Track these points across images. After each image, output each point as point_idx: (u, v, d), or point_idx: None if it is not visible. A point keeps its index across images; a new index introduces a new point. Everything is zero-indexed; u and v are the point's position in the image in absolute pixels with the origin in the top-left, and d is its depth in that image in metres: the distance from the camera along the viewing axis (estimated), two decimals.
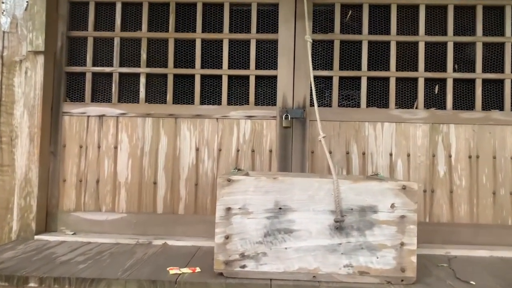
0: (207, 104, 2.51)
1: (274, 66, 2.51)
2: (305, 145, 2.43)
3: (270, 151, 2.45)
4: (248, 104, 2.49)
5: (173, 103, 2.51)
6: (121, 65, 2.55)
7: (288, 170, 2.42)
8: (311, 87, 2.39)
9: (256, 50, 2.52)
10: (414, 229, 1.69)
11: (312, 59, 2.44)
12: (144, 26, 2.54)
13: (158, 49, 2.58)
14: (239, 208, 1.71)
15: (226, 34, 2.52)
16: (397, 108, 2.46)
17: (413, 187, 1.71)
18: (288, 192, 1.72)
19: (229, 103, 2.51)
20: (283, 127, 2.43)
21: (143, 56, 2.53)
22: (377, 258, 1.69)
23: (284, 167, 2.43)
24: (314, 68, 2.45)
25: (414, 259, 1.68)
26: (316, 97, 2.44)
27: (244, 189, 1.72)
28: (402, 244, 1.69)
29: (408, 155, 2.42)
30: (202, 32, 2.53)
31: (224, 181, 1.72)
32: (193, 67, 2.53)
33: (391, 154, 2.42)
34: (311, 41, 2.16)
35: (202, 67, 2.54)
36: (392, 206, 1.70)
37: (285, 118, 2.42)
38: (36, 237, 2.36)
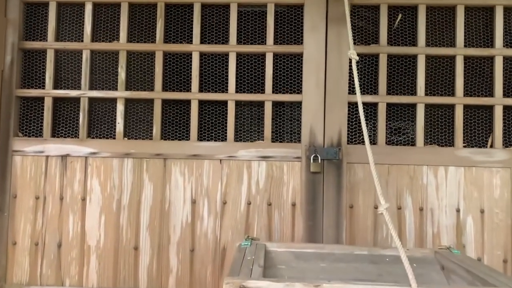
0: (208, 140, 1.87)
1: (298, 89, 1.87)
2: (341, 197, 1.78)
3: (293, 205, 1.80)
4: (263, 140, 1.85)
5: (162, 139, 1.87)
6: (92, 87, 1.91)
7: (318, 231, 1.77)
8: (352, 117, 1.76)
9: (274, 68, 1.87)
10: None
11: (349, 79, 1.81)
12: (123, 34, 1.90)
13: (141, 65, 1.94)
14: None
15: (233, 46, 1.87)
16: (466, 146, 1.81)
17: None
18: None
19: (237, 139, 1.87)
20: (310, 172, 1.79)
21: (122, 75, 1.89)
22: None
23: (313, 228, 1.78)
24: (350, 92, 1.81)
25: None
26: (358, 131, 1.80)
27: None
28: None
29: (482, 212, 1.77)
30: (201, 43, 1.89)
31: None
32: (188, 90, 1.89)
33: (458, 210, 1.78)
34: (357, 58, 1.52)
35: (201, 90, 1.89)
36: None
37: (313, 159, 1.77)
38: None
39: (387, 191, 1.79)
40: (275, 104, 1.88)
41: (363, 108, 1.79)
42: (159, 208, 1.83)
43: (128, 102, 1.90)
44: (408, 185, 1.79)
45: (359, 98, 1.56)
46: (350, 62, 1.65)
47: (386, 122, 1.84)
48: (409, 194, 1.79)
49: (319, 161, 1.78)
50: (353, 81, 1.66)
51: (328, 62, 1.83)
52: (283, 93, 1.89)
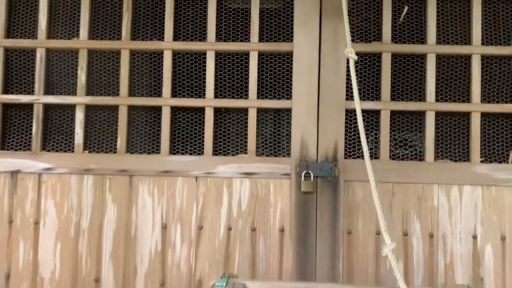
0: (181, 154, 1.61)
1: (287, 94, 1.61)
2: (338, 222, 1.52)
3: (281, 230, 1.54)
4: (246, 154, 1.58)
5: (127, 152, 1.61)
6: (47, 91, 1.64)
7: (311, 262, 1.51)
8: (351, 126, 1.51)
9: (259, 69, 1.61)
10: None
11: (347, 82, 1.55)
12: (84, 30, 1.64)
13: (104, 66, 1.68)
14: None
15: (211, 43, 1.61)
16: (484, 162, 1.55)
17: None
18: None
19: (215, 152, 1.60)
20: (301, 192, 1.52)
21: (82, 77, 1.63)
22: None
23: (305, 257, 1.52)
24: (347, 97, 1.56)
25: None
26: (358, 142, 1.55)
27: None
28: None
29: (503, 239, 1.51)
30: (174, 39, 1.63)
31: None
32: (159, 94, 1.62)
33: (475, 237, 1.52)
34: (356, 58, 1.26)
35: (174, 95, 1.63)
36: None
37: (305, 177, 1.51)
38: None
39: (391, 215, 1.52)
40: (261, 112, 1.62)
41: (363, 116, 1.54)
42: (124, 234, 1.56)
43: (89, 109, 1.64)
44: (416, 207, 1.53)
45: (357, 105, 1.32)
46: (348, 63, 1.40)
47: (390, 132, 1.57)
48: (417, 218, 1.53)
49: (312, 179, 1.51)
50: (351, 85, 1.40)
51: (322, 63, 1.57)
52: (270, 98, 1.63)
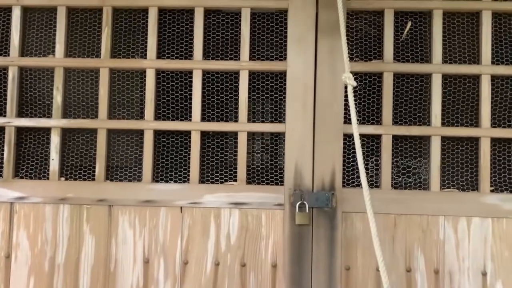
0: (165, 182, 1.49)
1: (280, 117, 1.49)
2: (335, 257, 1.41)
3: (274, 266, 1.43)
4: (236, 182, 1.46)
5: (107, 179, 1.49)
6: (20, 114, 1.52)
7: None
8: (350, 152, 1.40)
9: (250, 90, 1.49)
10: None
11: (346, 104, 1.44)
12: (60, 47, 1.52)
13: (82, 86, 1.56)
14: None
15: (197, 61, 1.49)
16: (494, 191, 1.44)
17: None
18: None
19: (202, 180, 1.49)
20: (295, 225, 1.41)
21: (57, 98, 1.51)
22: None
23: None
24: (346, 121, 1.46)
25: None
26: (357, 170, 1.44)
27: None
28: None
29: None
30: (158, 58, 1.51)
31: None
32: (141, 116, 1.51)
33: (484, 274, 1.41)
34: (355, 84, 1.13)
35: (157, 117, 1.51)
36: None
37: (299, 208, 1.41)
38: None
39: (393, 249, 1.41)
40: (251, 136, 1.51)
41: (363, 141, 1.44)
42: (103, 269, 1.45)
43: (65, 132, 1.52)
44: (420, 240, 1.42)
45: (355, 131, 1.20)
46: (346, 87, 1.28)
47: (392, 159, 1.46)
48: (421, 252, 1.41)
49: (307, 210, 1.41)
50: (347, 107, 1.28)
51: (318, 83, 1.46)
52: (262, 121, 1.52)
